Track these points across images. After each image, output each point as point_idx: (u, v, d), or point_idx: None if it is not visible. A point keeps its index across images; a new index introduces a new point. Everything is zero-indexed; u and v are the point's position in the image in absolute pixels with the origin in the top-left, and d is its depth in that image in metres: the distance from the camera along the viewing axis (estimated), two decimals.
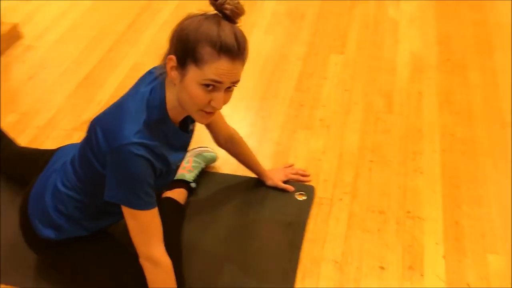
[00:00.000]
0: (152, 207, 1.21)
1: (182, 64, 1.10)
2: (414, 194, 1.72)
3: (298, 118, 2.06)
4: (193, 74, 1.10)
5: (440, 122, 2.01)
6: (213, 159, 1.82)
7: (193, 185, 1.71)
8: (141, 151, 1.13)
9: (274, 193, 1.73)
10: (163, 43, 1.16)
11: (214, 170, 1.82)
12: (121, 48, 2.52)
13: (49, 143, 1.97)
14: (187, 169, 1.72)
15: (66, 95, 2.23)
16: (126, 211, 1.19)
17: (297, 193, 1.73)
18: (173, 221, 1.59)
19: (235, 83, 1.14)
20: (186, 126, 1.31)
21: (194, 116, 1.19)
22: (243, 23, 1.13)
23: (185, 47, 1.08)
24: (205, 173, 1.79)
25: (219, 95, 1.13)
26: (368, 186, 1.75)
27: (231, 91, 1.17)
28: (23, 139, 1.97)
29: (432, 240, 1.57)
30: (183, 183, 1.69)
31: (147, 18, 2.74)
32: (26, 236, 1.40)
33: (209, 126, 1.54)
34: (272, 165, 1.84)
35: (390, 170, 1.81)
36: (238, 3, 1.11)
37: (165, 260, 1.24)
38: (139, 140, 1.12)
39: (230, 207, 1.69)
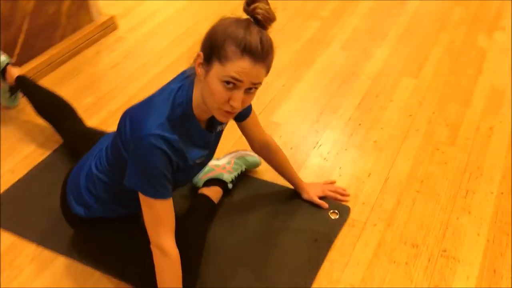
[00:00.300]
0: (166, 198, 1.26)
1: (208, 60, 1.16)
2: (456, 233, 1.61)
3: (352, 136, 2.02)
4: (216, 70, 1.14)
5: (505, 163, 1.86)
6: (255, 164, 1.84)
7: (230, 186, 1.75)
8: (160, 143, 1.19)
9: (307, 207, 1.72)
10: None
11: (254, 175, 1.85)
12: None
13: (115, 127, 2.12)
14: (227, 170, 1.77)
15: (141, 86, 2.39)
16: (142, 198, 1.26)
17: (331, 211, 1.70)
18: (202, 216, 1.64)
19: (255, 84, 1.17)
20: (212, 126, 1.36)
21: (215, 113, 1.23)
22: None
23: (212, 45, 1.14)
24: (245, 177, 1.82)
25: (238, 94, 1.16)
26: (407, 216, 1.68)
27: (252, 93, 1.20)
28: (94, 121, 2.15)
29: (462, 285, 1.46)
30: (221, 183, 1.74)
31: None
32: (63, 210, 1.53)
33: (243, 131, 1.58)
34: (314, 179, 1.82)
35: (435, 203, 1.71)
36: (270, 9, 1.15)
37: (173, 252, 1.29)
38: (160, 132, 1.19)
39: (261, 214, 1.71)
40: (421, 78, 2.33)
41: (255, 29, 1.13)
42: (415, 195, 1.75)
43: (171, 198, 1.28)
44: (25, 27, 2.38)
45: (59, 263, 1.57)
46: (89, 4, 2.73)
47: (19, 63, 2.39)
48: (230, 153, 1.84)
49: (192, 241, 1.54)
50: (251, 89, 1.18)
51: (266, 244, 1.61)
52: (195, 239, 1.57)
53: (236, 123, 1.55)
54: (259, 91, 1.23)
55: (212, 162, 1.78)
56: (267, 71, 1.19)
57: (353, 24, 2.77)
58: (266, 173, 1.84)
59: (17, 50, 2.38)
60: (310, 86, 2.33)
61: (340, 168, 1.88)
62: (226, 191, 1.75)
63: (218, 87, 1.16)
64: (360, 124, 2.08)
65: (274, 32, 1.18)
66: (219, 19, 1.18)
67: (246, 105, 1.21)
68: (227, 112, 1.21)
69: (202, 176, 1.75)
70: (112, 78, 2.46)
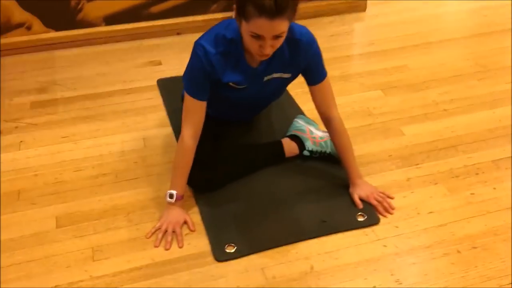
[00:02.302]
0: (195, 97, 1.59)
1: (239, 15, 1.42)
2: None
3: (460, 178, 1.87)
4: (244, 25, 1.41)
5: None
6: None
7: (305, 152, 1.91)
8: (199, 50, 1.54)
9: (344, 196, 1.77)
10: None
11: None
12: None
13: None
14: (314, 141, 1.91)
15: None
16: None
17: (360, 213, 1.71)
18: (261, 152, 1.90)
19: (278, 35, 1.38)
20: (261, 66, 1.61)
21: (254, 54, 1.49)
22: None
23: (239, 4, 1.40)
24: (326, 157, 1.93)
25: (265, 43, 1.40)
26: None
27: (280, 39, 1.42)
28: None
29: None
30: (301, 144, 1.93)
31: None
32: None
33: (312, 96, 1.72)
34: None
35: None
36: None
37: (187, 140, 1.62)
38: (203, 43, 1.53)
39: (297, 184, 1.83)
40: None
41: None
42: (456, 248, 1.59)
43: (203, 102, 1.60)
44: None
45: None
46: None
47: None
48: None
49: (231, 155, 1.83)
50: (278, 37, 1.40)
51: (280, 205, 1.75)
52: (235, 159, 1.84)
53: (309, 88, 1.72)
54: None
55: (310, 128, 1.98)
56: (290, 20, 1.39)
57: None
58: None
59: None
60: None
61: (408, 194, 1.81)
62: (301, 155, 1.92)
63: (248, 38, 1.43)
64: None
65: None
66: None
67: (277, 46, 1.44)
68: (261, 54, 1.46)
69: (293, 130, 1.97)
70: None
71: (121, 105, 2.29)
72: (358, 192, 1.76)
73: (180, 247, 1.61)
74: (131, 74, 2.53)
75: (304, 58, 1.63)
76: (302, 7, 3.05)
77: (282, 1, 1.34)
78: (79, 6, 2.68)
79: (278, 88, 1.78)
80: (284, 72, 1.68)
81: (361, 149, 1.99)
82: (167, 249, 1.60)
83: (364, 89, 2.39)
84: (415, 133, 2.10)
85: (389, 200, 1.76)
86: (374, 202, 1.74)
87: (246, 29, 1.41)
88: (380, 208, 1.73)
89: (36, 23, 2.68)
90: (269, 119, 2.12)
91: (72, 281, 1.50)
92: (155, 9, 2.80)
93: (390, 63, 2.60)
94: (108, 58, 2.67)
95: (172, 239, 1.62)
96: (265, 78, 1.67)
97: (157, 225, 1.66)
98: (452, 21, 3.02)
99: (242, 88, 1.68)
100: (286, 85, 1.81)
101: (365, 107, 2.26)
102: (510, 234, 1.64)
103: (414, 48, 2.73)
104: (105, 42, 2.78)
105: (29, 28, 2.68)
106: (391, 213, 1.72)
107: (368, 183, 1.80)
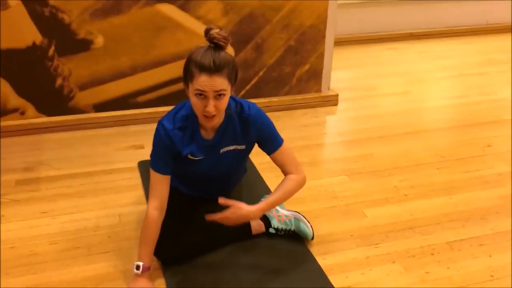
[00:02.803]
0: (158, 171, 1.76)
1: (186, 81, 1.66)
2: None
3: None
4: (191, 87, 1.64)
5: None
6: (305, 235, 2.00)
7: (271, 230, 2.02)
8: (159, 128, 1.75)
9: (306, 273, 1.86)
10: None
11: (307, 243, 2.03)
12: None
13: None
14: (279, 219, 2.03)
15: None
16: None
17: None
18: (228, 230, 2.00)
19: (219, 92, 1.60)
20: (215, 138, 1.79)
21: (200, 120, 1.71)
22: None
23: (185, 69, 1.64)
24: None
25: (209, 103, 1.62)
26: None
27: (222, 99, 1.63)
28: None
29: None
30: (267, 222, 2.05)
31: None
32: None
33: (274, 161, 1.89)
34: None
35: None
36: (221, 31, 1.58)
37: (152, 212, 1.76)
38: (163, 121, 1.75)
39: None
40: None
41: (210, 51, 1.58)
42: None
43: (166, 175, 1.77)
44: (260, 73, 3.19)
45: None
46: (322, 78, 3.36)
47: (247, 96, 3.19)
48: (294, 211, 2.10)
49: (199, 232, 1.94)
50: (219, 96, 1.61)
51: None
52: (203, 235, 1.95)
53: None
54: None
55: (277, 207, 2.10)
56: (229, 80, 1.62)
57: None
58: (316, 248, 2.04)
59: (247, 87, 3.21)
60: None
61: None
62: (267, 232, 2.03)
63: (194, 100, 1.64)
64: None
65: None
66: (194, 48, 1.65)
67: (221, 108, 1.65)
68: (206, 117, 1.67)
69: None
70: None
71: (100, 184, 2.42)
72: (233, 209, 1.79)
73: None
74: (113, 156, 2.69)
75: (255, 131, 1.83)
76: (276, 100, 3.35)
77: (219, 61, 1.58)
78: (71, 94, 2.91)
79: (236, 160, 1.93)
80: (238, 144, 1.86)
81: (324, 228, 2.11)
82: None
83: (330, 174, 2.56)
84: (375, 215, 2.23)
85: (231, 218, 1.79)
86: (228, 212, 1.78)
87: (192, 90, 1.63)
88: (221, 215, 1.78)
89: (30, 109, 2.89)
90: (239, 198, 2.24)
91: None
92: (142, 98, 3.04)
93: (357, 151, 2.79)
94: (93, 141, 2.84)
95: None
96: (221, 150, 1.84)
97: None
98: (417, 116, 3.27)
99: (199, 159, 1.83)
100: (243, 157, 1.97)
101: (331, 190, 2.41)
102: None
103: (380, 139, 2.94)
104: (93, 127, 2.98)
105: (22, 113, 2.88)
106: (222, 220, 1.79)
107: (251, 209, 1.80)
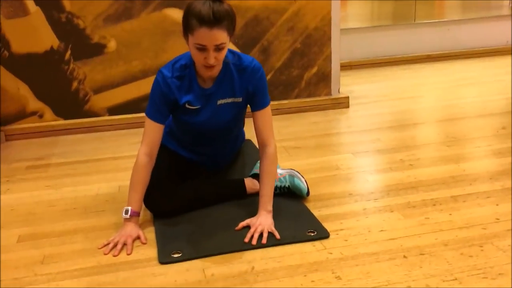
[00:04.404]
0: (152, 118, 1.77)
1: (185, 33, 1.66)
2: None
3: None
4: (190, 39, 1.64)
5: None
6: (299, 190, 1.96)
7: None
8: (158, 76, 1.77)
9: (297, 218, 1.81)
10: None
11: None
12: None
13: None
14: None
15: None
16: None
17: (310, 229, 1.72)
18: (222, 188, 1.99)
19: (219, 45, 1.60)
20: (212, 87, 1.80)
21: (200, 70, 1.71)
22: None
23: (184, 21, 1.65)
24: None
25: (209, 54, 1.62)
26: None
27: (222, 51, 1.63)
28: None
29: None
30: None
31: None
32: None
33: (254, 120, 1.85)
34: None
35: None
36: None
37: (142, 158, 1.77)
38: (162, 69, 1.77)
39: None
40: None
41: (208, 2, 1.58)
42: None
43: (160, 124, 1.77)
44: (269, 76, 3.26)
45: None
46: (332, 80, 3.40)
47: None
48: (290, 169, 2.07)
49: (193, 188, 1.94)
50: (219, 49, 1.62)
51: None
52: (197, 192, 1.93)
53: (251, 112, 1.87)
54: None
55: None
56: (228, 32, 1.61)
57: None
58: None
59: None
60: None
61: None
62: None
63: (194, 52, 1.65)
64: None
65: None
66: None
67: (220, 59, 1.66)
68: (207, 67, 1.68)
69: (255, 169, 2.07)
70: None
71: (106, 166, 2.47)
72: (252, 219, 1.77)
73: (128, 254, 1.65)
74: (123, 148, 2.76)
75: (251, 82, 1.82)
76: (286, 102, 3.38)
77: (219, 13, 1.59)
78: (87, 98, 3.05)
79: (233, 113, 1.91)
80: (235, 96, 1.86)
81: (323, 190, 2.07)
82: (115, 256, 1.64)
83: (334, 154, 2.52)
84: (378, 180, 2.16)
85: (264, 234, 1.70)
86: (252, 229, 1.72)
87: (192, 42, 1.64)
88: (249, 234, 1.70)
89: (48, 112, 3.03)
90: (235, 166, 2.23)
91: (16, 277, 1.54)
92: None
93: (364, 137, 2.75)
94: (106, 140, 2.93)
95: (121, 248, 1.67)
96: (219, 102, 1.85)
97: (110, 239, 1.72)
98: (429, 112, 3.21)
99: (197, 109, 1.84)
100: (240, 110, 1.93)
101: (334, 164, 2.36)
102: (461, 245, 1.61)
103: (389, 128, 2.90)
104: (107, 130, 3.08)
105: (41, 116, 3.03)
106: (252, 243, 1.67)
107: (270, 217, 1.77)
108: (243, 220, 1.79)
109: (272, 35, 3.19)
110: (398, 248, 1.61)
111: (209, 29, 1.59)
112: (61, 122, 3.05)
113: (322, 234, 1.70)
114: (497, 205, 1.87)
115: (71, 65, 2.98)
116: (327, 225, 1.76)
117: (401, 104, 3.45)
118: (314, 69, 3.33)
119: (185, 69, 1.80)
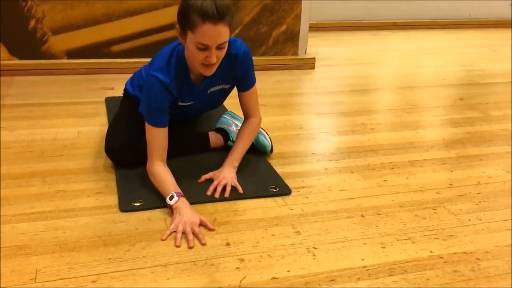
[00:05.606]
0: (156, 125, 1.63)
1: (183, 30, 1.53)
2: None
3: None
4: (190, 37, 1.50)
5: None
6: (263, 147, 1.97)
7: (230, 143, 1.98)
8: (157, 83, 1.62)
9: (259, 174, 1.83)
10: None
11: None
12: None
13: None
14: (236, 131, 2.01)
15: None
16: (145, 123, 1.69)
17: (273, 186, 1.75)
18: (188, 141, 1.97)
19: (221, 44, 1.50)
20: (204, 82, 1.72)
21: (199, 69, 1.60)
22: None
23: (182, 17, 1.51)
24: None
25: (211, 53, 1.52)
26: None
27: (223, 49, 1.54)
28: None
29: None
30: (226, 136, 2.01)
31: None
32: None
33: (240, 101, 1.83)
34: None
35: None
36: None
37: (156, 169, 1.63)
38: (156, 74, 1.62)
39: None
40: None
41: None
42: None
43: (164, 128, 1.65)
44: (237, 31, 3.21)
45: None
46: (299, 40, 3.38)
47: None
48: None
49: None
50: (221, 48, 1.53)
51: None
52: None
53: (238, 93, 1.84)
54: None
55: (235, 121, 2.06)
56: (230, 29, 1.51)
57: None
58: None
59: None
60: None
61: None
62: (226, 146, 1.98)
63: (194, 51, 1.53)
64: None
65: None
66: None
67: (221, 57, 1.56)
68: (206, 65, 1.57)
69: (219, 124, 2.07)
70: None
71: (65, 111, 2.39)
72: (215, 172, 1.76)
73: (203, 244, 1.43)
74: (82, 93, 2.67)
75: (240, 69, 1.75)
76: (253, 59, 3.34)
77: (222, 7, 1.47)
78: (44, 38, 2.91)
79: (219, 97, 1.88)
80: (225, 84, 1.80)
81: (286, 148, 2.08)
82: (190, 247, 1.41)
83: (298, 113, 2.54)
84: (339, 141, 2.20)
85: (227, 188, 1.70)
86: (215, 182, 1.72)
87: (193, 41, 1.50)
88: (212, 187, 1.70)
89: (2, 50, 2.88)
90: (201, 119, 2.21)
91: None
92: (116, 48, 3.04)
93: (328, 99, 2.78)
94: (64, 83, 2.83)
95: (193, 238, 1.45)
96: (208, 91, 1.79)
97: (171, 228, 1.48)
98: (391, 79, 3.27)
99: (188, 104, 1.79)
100: (226, 95, 1.90)
101: (297, 123, 2.38)
102: (415, 207, 1.68)
103: (352, 92, 2.94)
104: (66, 74, 2.97)
105: None
106: (215, 196, 1.67)
107: (233, 172, 1.77)
108: (206, 173, 1.79)
109: None
110: (356, 207, 1.66)
111: (213, 25, 1.47)
112: (16, 62, 2.91)
113: (284, 191, 1.73)
114: (451, 171, 1.95)
115: (29, 2, 2.82)
116: (289, 182, 1.79)
117: (365, 68, 3.49)
118: (283, 27, 3.29)
119: (179, 69, 1.68)
